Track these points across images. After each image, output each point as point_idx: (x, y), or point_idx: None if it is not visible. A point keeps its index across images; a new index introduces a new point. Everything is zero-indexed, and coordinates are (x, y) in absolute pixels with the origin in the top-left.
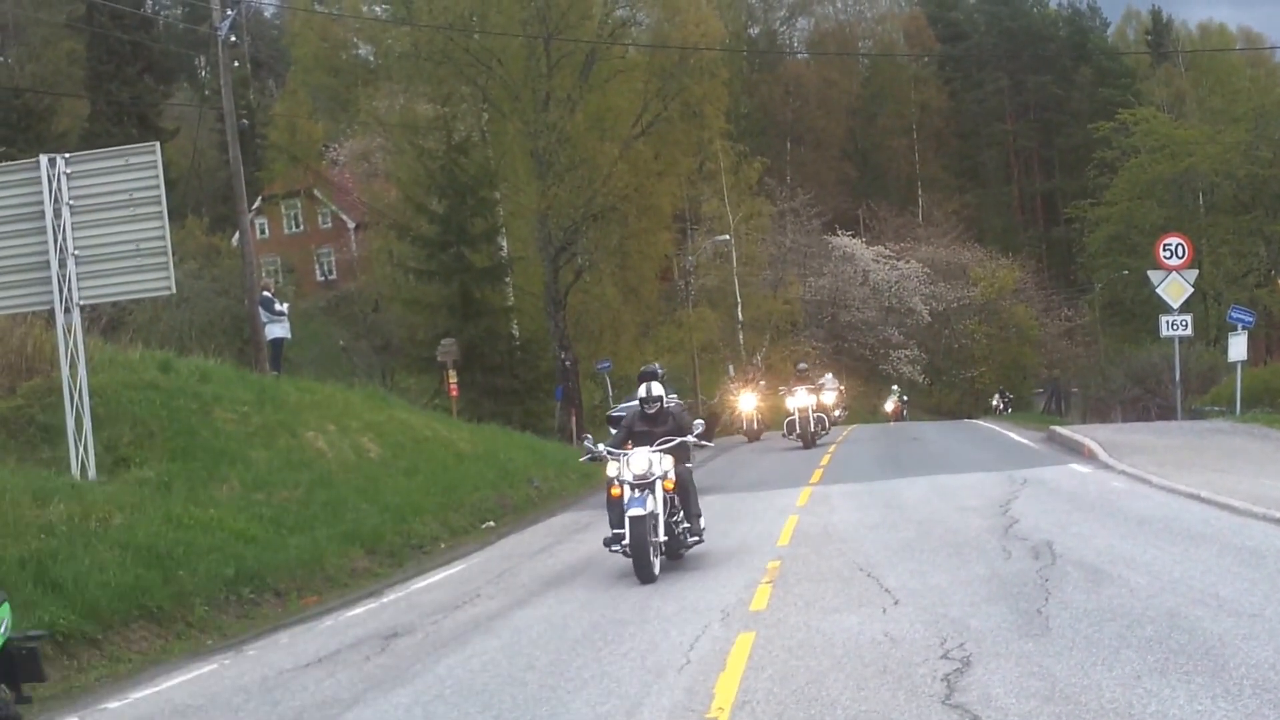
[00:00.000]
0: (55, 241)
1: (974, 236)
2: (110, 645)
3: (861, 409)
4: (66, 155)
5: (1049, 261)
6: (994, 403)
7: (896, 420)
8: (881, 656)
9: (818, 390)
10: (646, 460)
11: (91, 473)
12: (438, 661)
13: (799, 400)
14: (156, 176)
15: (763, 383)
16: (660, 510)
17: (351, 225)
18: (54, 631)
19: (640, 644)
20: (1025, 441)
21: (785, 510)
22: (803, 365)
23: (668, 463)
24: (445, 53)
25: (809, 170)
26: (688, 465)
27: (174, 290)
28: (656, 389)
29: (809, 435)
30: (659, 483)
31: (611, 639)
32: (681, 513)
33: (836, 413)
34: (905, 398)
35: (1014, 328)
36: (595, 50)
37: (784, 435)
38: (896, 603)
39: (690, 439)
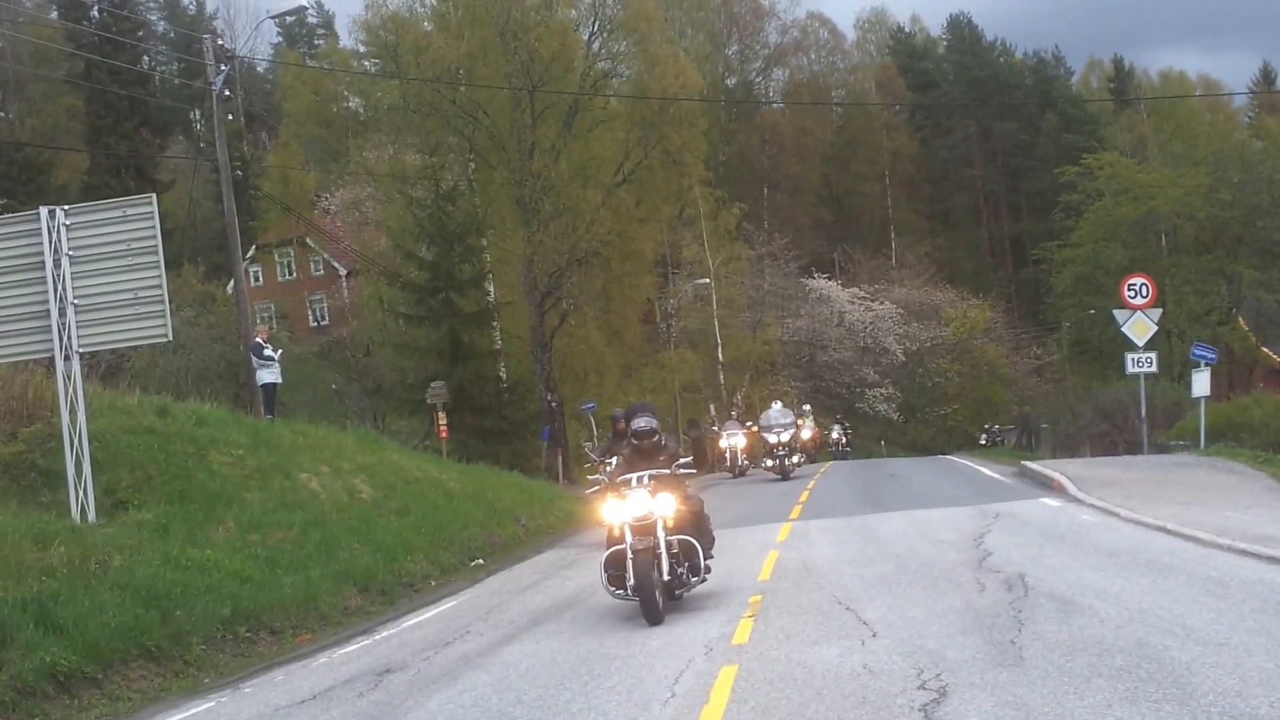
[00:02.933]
0: (55, 291)
1: (945, 278)
2: (110, 684)
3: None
4: (66, 207)
5: (1018, 302)
6: (834, 435)
7: (812, 448)
8: (861, 688)
9: (671, 483)
10: None
11: (91, 516)
12: (429, 698)
13: (632, 508)
14: (153, 227)
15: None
16: None
17: (343, 272)
18: (55, 672)
19: (626, 678)
20: (997, 476)
21: (766, 545)
22: (642, 422)
23: None
24: (433, 105)
25: (785, 215)
26: None
27: (171, 337)
28: None
29: (652, 593)
30: None
31: (598, 673)
32: None
33: (795, 458)
34: (846, 427)
35: (985, 366)
36: (578, 101)
37: (604, 582)
38: (875, 635)
39: None
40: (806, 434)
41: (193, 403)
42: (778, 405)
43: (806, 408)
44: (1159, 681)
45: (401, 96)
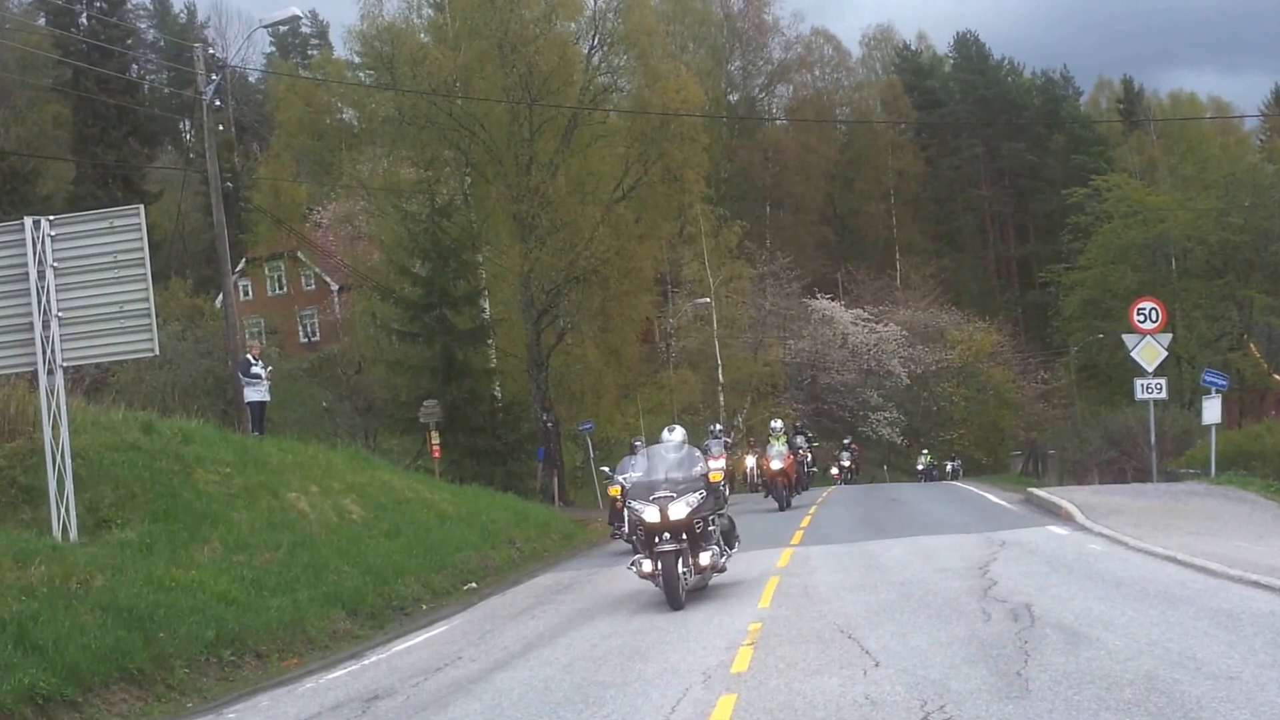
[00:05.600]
0: (39, 303)
1: (951, 300)
2: (90, 708)
3: None
4: (51, 217)
5: (1025, 325)
6: (845, 462)
7: (784, 483)
8: (863, 719)
9: None
10: None
11: (73, 534)
12: None
13: None
14: (140, 239)
15: None
16: None
17: (335, 287)
18: (34, 695)
19: (621, 707)
20: (1003, 503)
21: (766, 571)
22: None
23: None
24: (428, 117)
25: (788, 234)
26: None
27: (157, 352)
28: None
29: None
30: None
31: (593, 701)
32: None
33: (705, 560)
34: (809, 437)
35: (991, 390)
36: (577, 116)
37: None
38: (877, 664)
39: None
40: (778, 464)
41: (179, 419)
42: (672, 438)
43: (777, 424)
44: (1169, 716)
45: (397, 109)
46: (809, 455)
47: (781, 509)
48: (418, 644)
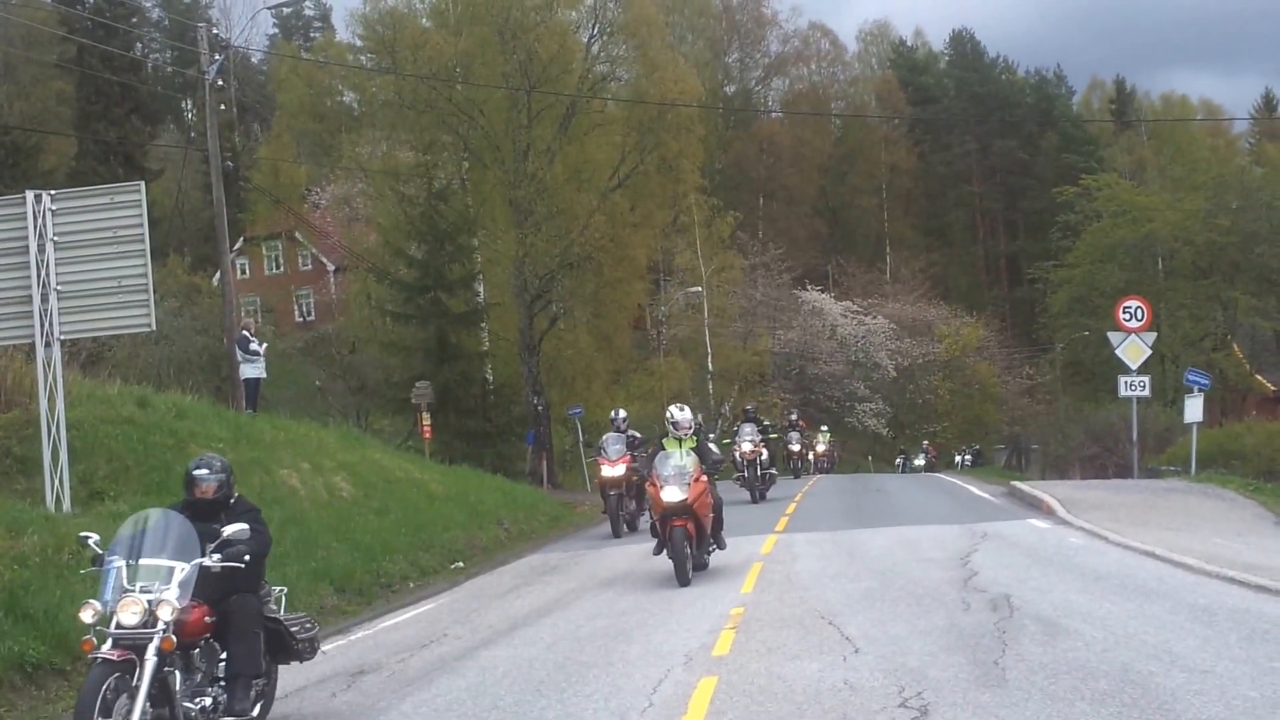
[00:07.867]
0: (38, 276)
1: (940, 294)
2: (79, 677)
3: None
4: (52, 192)
5: (1012, 321)
6: (820, 447)
7: (686, 532)
8: (841, 704)
9: None
10: None
11: (66, 505)
12: (403, 700)
13: None
14: (140, 215)
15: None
16: None
17: (331, 268)
18: (24, 662)
19: (604, 686)
20: (986, 496)
21: (750, 557)
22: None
23: None
24: (428, 102)
25: (780, 226)
26: None
27: (154, 327)
28: None
29: None
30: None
31: (576, 681)
32: None
33: None
34: (764, 426)
35: (976, 385)
36: (575, 104)
37: None
38: (857, 651)
39: None
40: (675, 496)
41: (173, 394)
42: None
43: (682, 414)
44: (1143, 707)
45: (397, 92)
46: (763, 452)
47: (681, 583)
48: (404, 621)
